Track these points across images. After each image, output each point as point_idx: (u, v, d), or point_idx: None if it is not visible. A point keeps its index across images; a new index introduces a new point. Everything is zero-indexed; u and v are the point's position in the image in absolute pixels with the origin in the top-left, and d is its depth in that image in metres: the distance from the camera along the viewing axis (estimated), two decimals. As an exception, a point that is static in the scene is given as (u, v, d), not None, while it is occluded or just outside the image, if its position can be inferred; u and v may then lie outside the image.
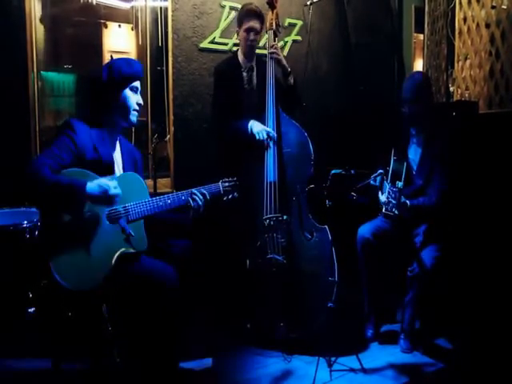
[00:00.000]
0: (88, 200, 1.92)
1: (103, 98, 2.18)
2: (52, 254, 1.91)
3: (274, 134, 2.77)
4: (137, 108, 2.21)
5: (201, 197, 2.24)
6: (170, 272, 2.09)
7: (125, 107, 2.17)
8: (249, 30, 2.89)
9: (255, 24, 2.89)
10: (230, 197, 2.37)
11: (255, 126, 2.78)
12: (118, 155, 2.24)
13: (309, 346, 2.60)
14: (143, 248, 2.10)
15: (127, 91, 2.17)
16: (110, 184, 1.96)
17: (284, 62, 2.94)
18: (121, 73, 2.14)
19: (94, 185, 1.93)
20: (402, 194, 2.38)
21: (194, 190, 2.25)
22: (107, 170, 2.11)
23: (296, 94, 3.04)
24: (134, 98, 2.19)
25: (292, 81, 2.98)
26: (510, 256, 2.91)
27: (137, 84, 2.21)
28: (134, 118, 2.21)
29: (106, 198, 1.94)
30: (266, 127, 2.77)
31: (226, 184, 2.36)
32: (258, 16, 2.90)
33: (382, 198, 2.54)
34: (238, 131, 2.83)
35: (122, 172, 2.22)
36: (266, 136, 2.74)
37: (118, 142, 2.26)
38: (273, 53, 2.87)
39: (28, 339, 2.49)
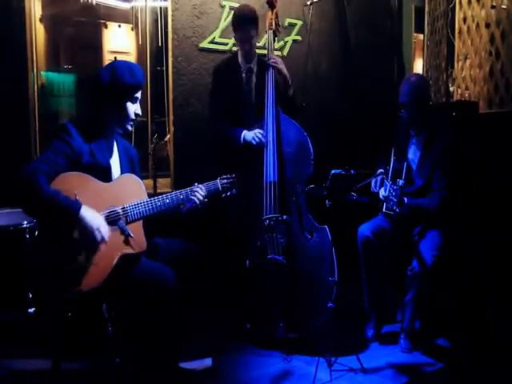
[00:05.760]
0: (79, 222, 1.90)
1: (103, 104, 2.14)
2: (48, 258, 1.91)
3: (270, 135, 2.76)
4: (134, 118, 2.17)
5: (199, 196, 2.23)
6: (169, 273, 2.09)
7: (123, 117, 2.14)
8: (242, 41, 2.85)
9: (248, 33, 2.81)
10: (228, 194, 2.36)
11: (247, 135, 2.80)
12: (115, 158, 2.22)
13: (309, 346, 2.59)
14: (142, 248, 2.09)
15: (127, 102, 2.13)
16: (102, 226, 1.94)
17: (285, 71, 2.87)
18: (123, 84, 2.09)
19: (87, 215, 1.90)
20: (403, 191, 2.37)
21: (193, 189, 2.23)
22: (104, 174, 2.09)
23: (294, 106, 2.96)
24: (132, 108, 2.15)
25: (291, 93, 2.93)
26: (509, 255, 2.91)
27: (138, 94, 2.17)
28: (130, 128, 2.19)
29: (92, 233, 1.92)
30: (256, 130, 2.78)
31: (224, 181, 2.34)
32: (251, 21, 2.81)
33: (383, 194, 2.54)
34: (231, 138, 2.86)
35: (119, 174, 2.20)
36: (260, 136, 2.75)
37: (114, 143, 2.24)
38: (273, 64, 2.82)
39: (28, 339, 2.50)
